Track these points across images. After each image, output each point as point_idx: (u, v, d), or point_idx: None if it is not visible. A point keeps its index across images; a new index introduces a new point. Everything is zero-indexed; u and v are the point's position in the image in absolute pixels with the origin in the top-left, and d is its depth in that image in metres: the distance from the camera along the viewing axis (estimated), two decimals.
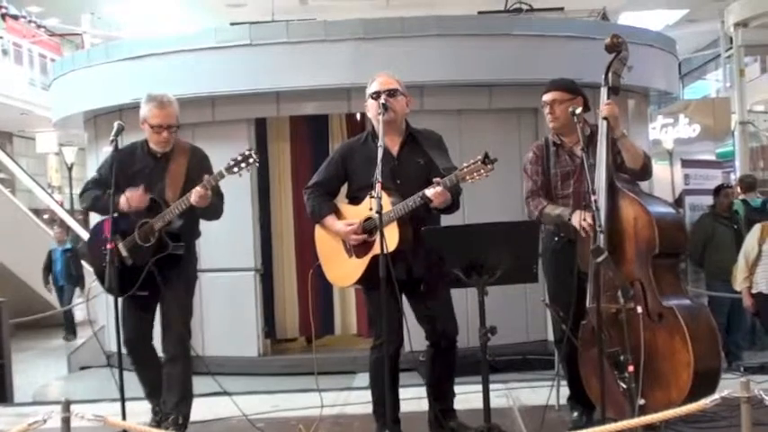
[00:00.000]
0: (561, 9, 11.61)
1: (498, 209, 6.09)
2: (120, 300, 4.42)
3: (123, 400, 4.23)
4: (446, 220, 4.25)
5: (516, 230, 3.97)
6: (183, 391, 4.51)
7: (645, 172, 4.30)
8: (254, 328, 7.54)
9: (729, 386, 3.23)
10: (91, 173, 7.18)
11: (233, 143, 7.32)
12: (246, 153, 4.24)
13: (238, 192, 6.50)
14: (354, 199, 4.31)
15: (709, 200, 8.93)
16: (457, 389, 4.45)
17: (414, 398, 4.72)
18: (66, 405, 3.24)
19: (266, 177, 7.87)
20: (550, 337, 6.15)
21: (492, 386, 4.02)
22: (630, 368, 3.69)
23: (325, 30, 7.33)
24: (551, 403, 4.58)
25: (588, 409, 4.36)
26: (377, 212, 3.80)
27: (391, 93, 4.20)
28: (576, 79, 4.53)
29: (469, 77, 7.34)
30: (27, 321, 10.17)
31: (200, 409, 4.80)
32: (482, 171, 3.86)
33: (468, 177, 3.89)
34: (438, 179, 3.95)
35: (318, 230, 4.37)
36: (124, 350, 4.51)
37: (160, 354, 4.65)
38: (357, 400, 5.21)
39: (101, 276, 4.50)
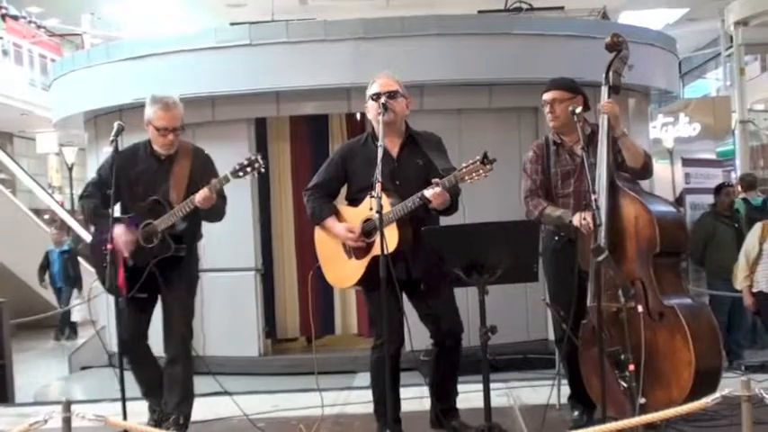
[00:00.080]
0: (561, 8, 11.60)
1: (498, 208, 6.08)
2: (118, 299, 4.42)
3: (124, 399, 4.24)
4: (446, 221, 4.25)
5: (516, 230, 3.97)
6: (184, 392, 4.51)
7: (645, 171, 4.30)
8: (255, 328, 7.54)
9: (730, 385, 3.24)
10: (91, 173, 7.17)
11: (233, 143, 7.35)
12: (252, 158, 4.24)
13: (239, 192, 6.49)
14: (354, 201, 4.31)
15: (709, 199, 8.93)
16: (458, 388, 4.45)
17: (415, 397, 4.73)
18: (67, 405, 3.24)
19: (266, 177, 7.85)
20: (551, 336, 6.14)
21: (493, 385, 4.03)
22: (631, 367, 3.69)
23: (325, 29, 7.33)
24: (552, 402, 4.58)
25: (589, 409, 4.36)
26: (377, 212, 3.81)
27: (391, 94, 4.21)
28: (577, 78, 4.53)
29: (469, 77, 7.34)
30: (28, 322, 10.18)
31: (201, 409, 4.80)
32: (481, 171, 3.86)
33: (467, 177, 3.89)
34: (437, 180, 3.96)
35: (318, 232, 4.38)
36: (119, 350, 4.52)
37: (156, 353, 4.64)
38: (358, 399, 5.21)
39: (103, 277, 4.50)
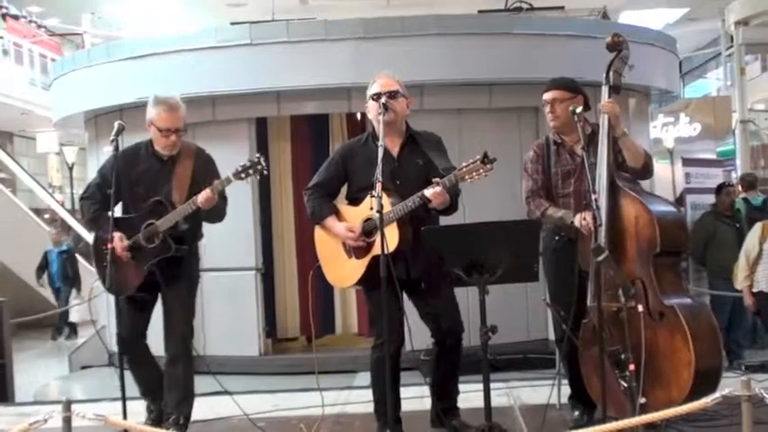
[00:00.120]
0: (562, 8, 11.60)
1: (499, 208, 6.09)
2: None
3: (124, 399, 4.24)
4: (446, 221, 4.25)
5: (517, 229, 3.97)
6: (184, 391, 4.51)
7: (646, 171, 4.30)
8: (255, 328, 7.54)
9: (730, 385, 3.24)
10: (91, 173, 7.17)
11: (234, 142, 7.36)
12: (255, 160, 4.25)
13: (239, 191, 6.48)
14: (354, 200, 4.31)
15: (710, 198, 8.92)
16: (458, 387, 4.45)
17: (415, 397, 4.73)
18: (67, 404, 3.24)
19: (267, 177, 7.78)
20: (551, 335, 6.14)
21: (493, 385, 4.03)
22: (631, 367, 3.69)
23: (326, 29, 7.33)
24: (552, 402, 4.58)
25: (589, 408, 4.36)
26: (377, 212, 3.81)
27: (392, 94, 4.21)
28: (577, 78, 4.54)
29: (470, 76, 7.34)
30: (28, 321, 10.17)
31: (202, 409, 4.80)
32: (481, 170, 3.86)
33: (467, 177, 3.90)
34: (437, 179, 3.96)
35: (318, 231, 4.38)
36: (118, 348, 4.52)
37: (157, 353, 4.64)
38: (358, 399, 5.21)
39: (103, 276, 4.50)
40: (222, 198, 4.41)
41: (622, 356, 3.74)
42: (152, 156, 4.52)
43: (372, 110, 4.23)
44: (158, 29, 16.61)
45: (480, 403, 3.87)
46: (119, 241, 4.33)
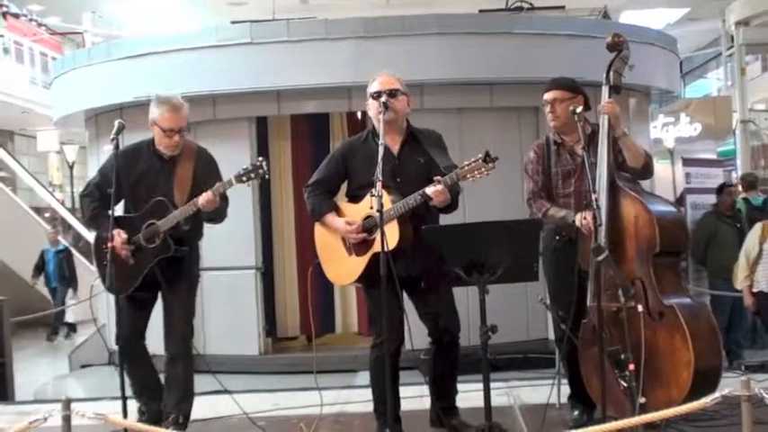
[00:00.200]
0: (562, 7, 11.61)
1: (499, 207, 6.09)
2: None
3: (124, 398, 4.24)
4: (447, 220, 4.25)
5: (517, 229, 3.97)
6: (184, 390, 4.51)
7: (646, 171, 4.30)
8: (255, 327, 7.54)
9: (730, 385, 3.24)
10: (92, 171, 7.16)
11: (234, 141, 7.36)
12: (257, 163, 4.24)
13: (239, 190, 6.43)
14: (354, 197, 4.31)
15: (710, 198, 8.93)
16: (458, 387, 4.45)
17: (415, 396, 4.73)
18: (67, 403, 3.23)
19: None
20: (551, 335, 6.14)
21: (493, 384, 4.03)
22: (631, 367, 3.69)
23: (326, 28, 7.33)
24: (552, 402, 4.57)
25: (589, 408, 4.36)
26: (377, 211, 3.81)
27: (392, 93, 4.21)
28: (577, 78, 4.54)
29: (470, 76, 7.34)
30: (28, 320, 10.17)
31: (201, 408, 4.80)
32: (483, 169, 3.86)
33: (468, 176, 3.90)
34: (438, 177, 3.96)
35: (318, 228, 4.38)
36: (117, 347, 4.52)
37: (153, 352, 4.64)
38: (358, 398, 5.21)
39: (104, 275, 4.50)
40: (223, 200, 4.41)
41: (622, 356, 3.74)
42: (153, 155, 4.51)
43: (373, 108, 4.23)
44: (159, 28, 16.61)
45: (480, 403, 3.87)
46: (118, 236, 4.33)
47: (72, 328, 13.71)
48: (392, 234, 3.99)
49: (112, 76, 7.84)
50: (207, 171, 4.50)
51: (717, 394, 3.08)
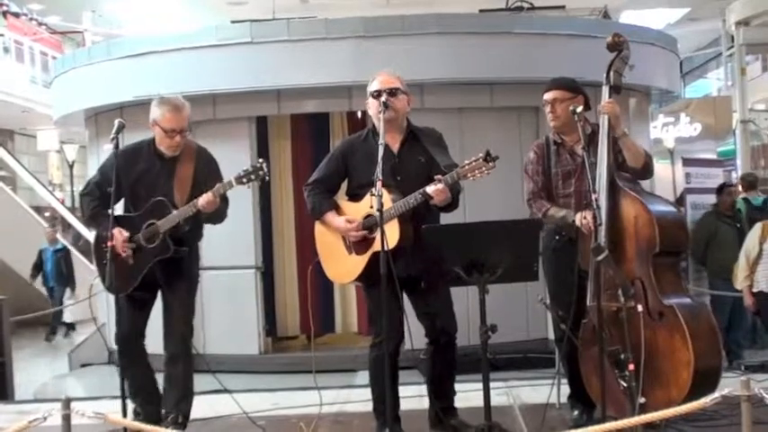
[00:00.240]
0: (562, 7, 11.62)
1: (499, 207, 6.10)
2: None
3: (124, 397, 4.24)
4: (447, 219, 4.25)
5: (517, 229, 3.97)
6: (183, 390, 4.50)
7: (646, 171, 4.30)
8: (255, 326, 7.54)
9: (730, 385, 3.24)
10: (92, 171, 7.16)
11: (234, 141, 7.36)
12: (257, 165, 4.23)
13: (239, 190, 6.45)
14: (355, 196, 4.31)
15: (710, 198, 8.93)
16: (457, 387, 4.45)
17: (414, 396, 4.72)
18: (67, 402, 3.24)
19: None
20: (551, 335, 6.14)
21: (492, 384, 4.03)
22: (631, 367, 3.69)
23: (326, 28, 7.33)
24: (552, 401, 4.58)
25: (589, 408, 4.36)
26: (377, 210, 3.81)
27: (392, 92, 4.20)
28: (578, 78, 4.54)
29: (470, 76, 7.34)
30: (28, 319, 10.17)
31: (201, 407, 4.80)
32: (483, 169, 3.86)
33: (469, 175, 3.90)
34: (439, 176, 3.96)
35: (318, 227, 4.37)
36: (116, 347, 4.52)
37: (153, 351, 4.63)
38: (358, 398, 5.21)
39: (103, 274, 4.49)
40: (223, 201, 4.40)
41: (622, 356, 3.74)
42: (154, 155, 4.50)
43: (373, 107, 4.23)
44: (159, 27, 16.62)
45: (480, 402, 3.87)
46: (118, 234, 4.33)
47: (71, 327, 13.67)
48: (393, 233, 3.99)
49: (112, 76, 7.84)
50: (207, 171, 4.50)
51: (716, 394, 3.08)
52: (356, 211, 4.23)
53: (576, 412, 4.45)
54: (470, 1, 12.19)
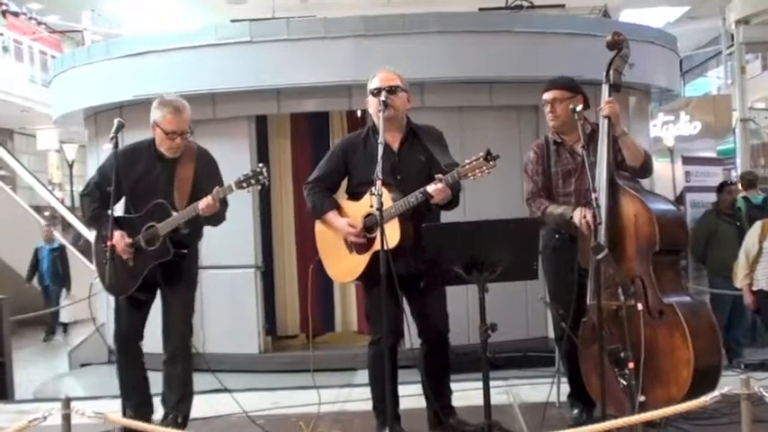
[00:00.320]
0: (562, 6, 11.61)
1: (499, 206, 6.10)
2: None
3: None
4: (447, 217, 4.25)
5: (517, 227, 3.97)
6: (183, 390, 4.50)
7: (645, 170, 4.30)
8: (255, 325, 7.54)
9: (730, 383, 3.23)
10: (91, 170, 7.15)
11: (233, 140, 7.35)
12: (258, 170, 4.22)
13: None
14: (355, 194, 4.30)
15: (710, 197, 8.93)
16: (457, 386, 4.46)
17: (414, 395, 4.71)
18: (67, 402, 3.24)
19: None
20: (551, 334, 6.15)
21: (492, 383, 4.03)
22: (631, 365, 3.69)
23: (326, 27, 7.32)
24: (552, 400, 4.58)
25: (588, 406, 4.36)
26: (377, 209, 3.80)
27: (392, 90, 4.20)
28: (577, 77, 4.54)
29: (470, 74, 7.33)
30: (28, 318, 10.17)
31: (201, 406, 4.80)
32: (484, 168, 3.86)
33: (470, 174, 3.90)
34: (440, 175, 3.95)
35: (319, 226, 4.37)
36: (114, 347, 4.51)
37: (152, 351, 4.62)
38: (358, 397, 5.21)
39: (103, 274, 4.49)
40: (223, 204, 4.39)
41: (622, 355, 3.74)
42: (154, 155, 4.49)
43: (372, 105, 4.22)
44: (158, 26, 16.61)
45: (480, 401, 3.87)
46: (120, 239, 4.33)
47: (64, 327, 13.63)
48: (393, 232, 3.99)
49: (112, 75, 7.83)
50: (207, 172, 4.49)
51: (716, 393, 3.08)
52: (356, 210, 4.22)
53: (575, 411, 4.45)
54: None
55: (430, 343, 4.30)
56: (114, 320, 4.55)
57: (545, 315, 6.75)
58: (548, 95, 4.36)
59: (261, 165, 4.27)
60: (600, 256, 3.72)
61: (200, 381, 4.70)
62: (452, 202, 4.11)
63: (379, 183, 3.84)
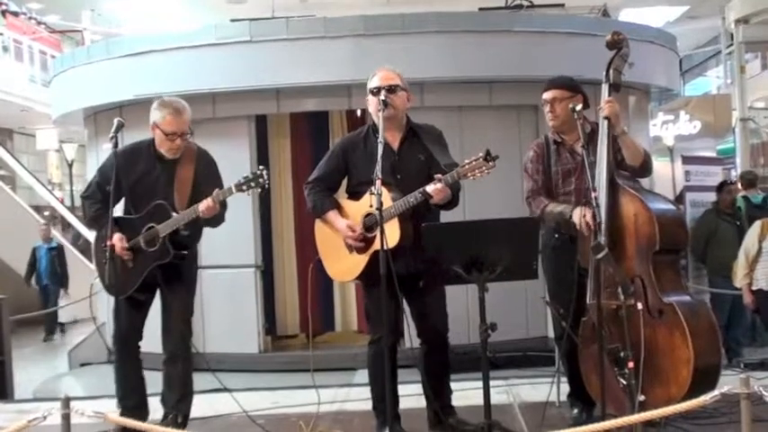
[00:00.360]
0: (562, 5, 11.63)
1: (499, 205, 6.10)
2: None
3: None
4: (447, 216, 4.25)
5: (516, 227, 3.97)
6: (183, 390, 4.50)
7: (645, 169, 4.30)
8: (255, 325, 7.54)
9: (729, 382, 3.23)
10: (91, 170, 7.15)
11: (233, 140, 7.35)
12: (258, 172, 4.22)
13: None
14: (355, 194, 4.30)
15: (709, 196, 8.93)
16: (457, 385, 4.45)
17: (414, 394, 4.71)
18: (66, 402, 3.24)
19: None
20: (551, 333, 6.15)
21: (492, 383, 4.03)
22: (630, 364, 3.69)
23: (325, 26, 7.32)
24: (552, 400, 4.58)
25: (588, 406, 4.36)
26: (377, 209, 3.80)
27: (391, 89, 4.20)
28: (577, 76, 4.54)
29: (470, 74, 7.33)
30: (27, 318, 10.16)
31: (201, 406, 4.80)
32: (484, 168, 3.86)
33: (469, 174, 3.90)
34: (439, 176, 3.95)
35: (319, 225, 4.37)
36: (114, 347, 4.51)
37: (152, 351, 4.62)
38: (358, 396, 5.21)
39: (103, 274, 4.49)
40: (222, 206, 4.39)
41: (621, 354, 3.73)
42: (154, 156, 4.49)
43: (372, 104, 4.22)
44: (158, 26, 16.62)
45: (480, 401, 3.87)
46: (118, 242, 4.33)
47: (61, 327, 13.60)
48: (393, 232, 3.99)
49: (112, 75, 7.83)
50: (207, 173, 4.49)
51: (716, 392, 3.07)
52: (356, 210, 4.22)
53: (575, 410, 4.45)
54: None
55: (430, 343, 4.30)
56: (113, 320, 4.54)
57: (545, 314, 6.75)
58: (547, 95, 4.36)
59: (261, 167, 4.27)
60: (600, 256, 3.72)
61: (200, 380, 4.70)
62: (452, 202, 4.11)
63: (378, 182, 3.84)
